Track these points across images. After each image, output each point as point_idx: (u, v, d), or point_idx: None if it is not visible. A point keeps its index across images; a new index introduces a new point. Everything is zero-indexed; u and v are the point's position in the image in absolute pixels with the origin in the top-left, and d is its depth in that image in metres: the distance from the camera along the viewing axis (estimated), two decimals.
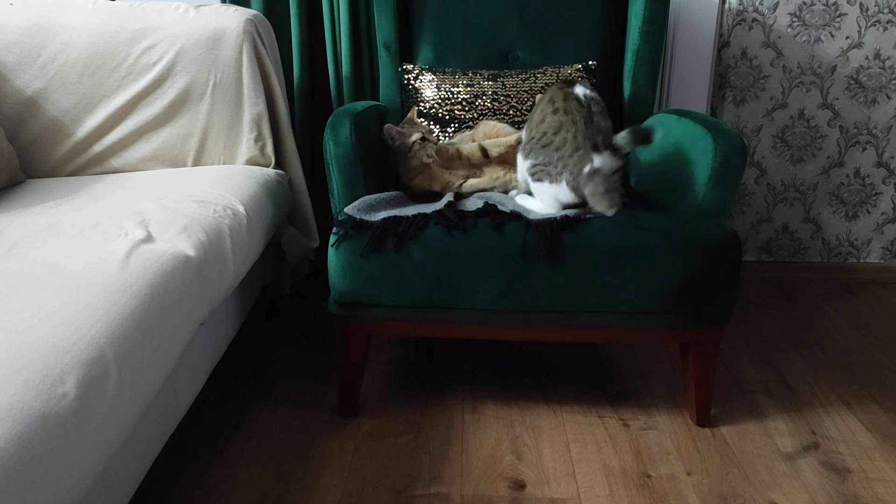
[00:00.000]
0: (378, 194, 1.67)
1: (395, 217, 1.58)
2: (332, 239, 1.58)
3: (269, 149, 1.87)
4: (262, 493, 1.45)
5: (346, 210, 1.61)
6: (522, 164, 1.69)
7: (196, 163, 1.86)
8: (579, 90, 1.64)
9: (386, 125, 1.79)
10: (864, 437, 1.65)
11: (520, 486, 1.48)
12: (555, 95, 1.65)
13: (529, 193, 1.72)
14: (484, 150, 1.79)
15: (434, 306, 1.60)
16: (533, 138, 1.65)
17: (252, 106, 1.83)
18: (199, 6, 1.86)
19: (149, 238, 1.27)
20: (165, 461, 1.53)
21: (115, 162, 1.85)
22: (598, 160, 1.56)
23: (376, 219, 1.58)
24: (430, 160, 1.76)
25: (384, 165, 1.81)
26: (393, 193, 1.70)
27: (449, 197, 1.68)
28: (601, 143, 1.57)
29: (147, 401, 1.08)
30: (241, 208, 1.55)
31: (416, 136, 1.75)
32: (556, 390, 1.83)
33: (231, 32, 1.80)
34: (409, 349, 2.05)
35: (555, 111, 1.63)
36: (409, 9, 2.08)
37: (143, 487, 1.44)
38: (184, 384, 1.36)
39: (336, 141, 1.63)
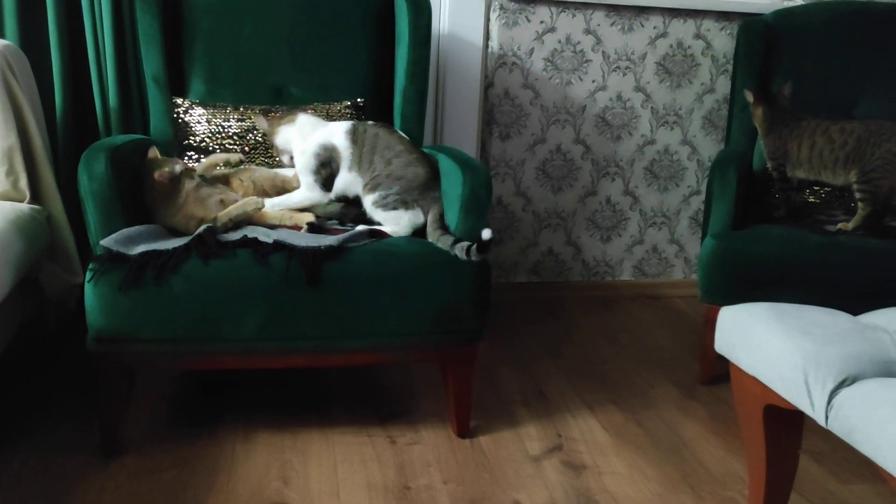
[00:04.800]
0: (138, 227, 1.66)
1: (155, 250, 1.59)
2: (89, 274, 1.56)
3: (23, 183, 1.80)
4: None
5: (102, 243, 1.59)
6: (368, 198, 1.81)
7: None
8: (401, 133, 1.90)
9: (155, 158, 1.77)
10: (601, 436, 1.86)
11: None
12: (391, 141, 1.84)
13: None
14: (202, 176, 1.84)
15: (198, 338, 1.62)
16: (380, 174, 1.80)
17: (2, 139, 1.76)
18: None
19: None
20: None
21: None
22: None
23: (135, 252, 1.58)
24: (193, 185, 1.78)
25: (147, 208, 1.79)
26: (154, 226, 1.70)
27: (207, 226, 1.69)
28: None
29: None
30: None
31: (179, 167, 1.76)
32: (330, 413, 1.90)
33: None
34: (184, 382, 2.03)
35: (398, 154, 1.82)
36: (180, 41, 2.08)
37: None
38: None
39: (91, 176, 1.60)
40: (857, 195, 2.05)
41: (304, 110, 1.99)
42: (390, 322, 1.68)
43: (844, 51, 2.38)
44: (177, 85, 2.09)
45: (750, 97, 2.24)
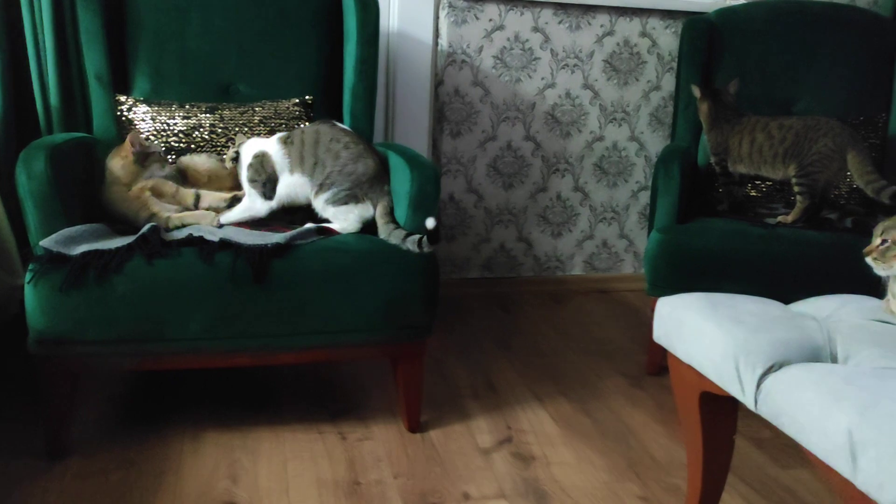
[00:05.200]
0: (80, 226, 1.64)
1: (97, 250, 1.57)
2: (28, 276, 1.53)
3: None
4: None
5: (41, 244, 1.56)
6: (321, 198, 1.81)
7: None
8: (343, 125, 1.90)
9: (132, 133, 1.80)
10: (550, 427, 1.89)
11: None
12: (336, 133, 1.83)
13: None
14: (197, 198, 1.85)
15: (143, 339, 1.61)
16: (333, 171, 1.79)
17: None
18: None
19: None
20: None
21: None
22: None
23: (76, 252, 1.56)
24: (161, 174, 1.81)
25: (90, 198, 1.77)
26: (96, 226, 1.68)
27: (151, 225, 1.68)
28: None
29: None
30: None
31: (155, 149, 1.81)
32: (280, 411, 1.89)
33: None
34: (131, 383, 2.01)
35: (346, 146, 1.81)
36: (123, 39, 2.06)
37: None
38: None
39: (30, 175, 1.58)
40: (796, 189, 2.11)
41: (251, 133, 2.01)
42: (339, 319, 1.69)
43: (784, 48, 2.45)
44: (120, 82, 2.06)
45: (697, 92, 2.29)
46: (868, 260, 1.28)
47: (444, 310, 2.55)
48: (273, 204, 1.85)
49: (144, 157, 1.79)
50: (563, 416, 1.95)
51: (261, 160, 1.83)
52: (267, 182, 1.83)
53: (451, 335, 2.39)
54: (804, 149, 2.10)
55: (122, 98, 2.00)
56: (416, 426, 1.84)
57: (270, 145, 1.85)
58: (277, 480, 1.62)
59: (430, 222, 1.66)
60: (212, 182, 1.92)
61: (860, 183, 2.07)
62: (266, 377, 2.07)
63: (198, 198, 1.85)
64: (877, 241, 1.27)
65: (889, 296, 1.31)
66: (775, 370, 1.11)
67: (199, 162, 1.93)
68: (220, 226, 1.78)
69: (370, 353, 1.84)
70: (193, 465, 1.65)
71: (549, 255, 2.84)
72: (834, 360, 1.17)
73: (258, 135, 2.00)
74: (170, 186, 1.83)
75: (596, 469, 1.72)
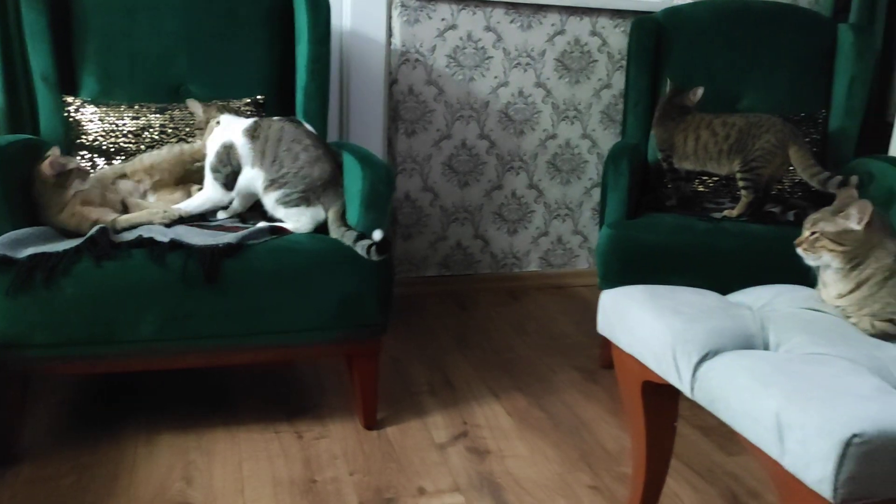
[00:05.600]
0: (26, 229, 1.63)
1: (44, 253, 1.55)
2: None
3: None
4: None
5: None
6: (271, 196, 1.81)
7: None
8: (308, 126, 1.89)
9: (52, 156, 1.74)
10: (505, 421, 1.92)
11: None
12: (298, 134, 1.83)
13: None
14: (124, 207, 1.84)
15: (94, 342, 1.60)
16: (289, 172, 1.78)
17: None
18: None
19: None
20: None
21: None
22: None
23: (23, 255, 1.54)
24: (83, 188, 1.75)
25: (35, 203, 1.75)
26: (43, 228, 1.67)
27: (100, 226, 1.67)
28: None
29: None
30: None
31: (73, 164, 1.75)
32: (236, 412, 1.89)
33: None
34: (83, 386, 1.99)
35: (306, 148, 1.81)
36: (70, 39, 2.03)
37: None
38: None
39: None
40: (740, 184, 2.17)
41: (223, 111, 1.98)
42: (292, 318, 1.69)
43: (729, 47, 2.51)
44: (68, 83, 2.03)
45: (668, 86, 2.32)
46: (799, 251, 1.33)
47: (401, 308, 2.57)
48: (232, 194, 1.87)
49: (65, 177, 1.72)
50: (517, 410, 1.98)
51: (227, 151, 1.83)
52: (230, 174, 1.84)
53: (409, 333, 2.41)
54: (747, 145, 2.16)
55: (70, 99, 1.97)
56: (372, 423, 1.85)
57: (237, 137, 1.84)
58: (232, 481, 1.62)
59: (377, 234, 1.67)
60: (158, 183, 1.92)
61: (805, 176, 2.13)
62: (221, 378, 2.07)
63: (125, 207, 1.84)
64: (806, 233, 1.32)
65: (820, 285, 1.37)
66: (710, 358, 1.16)
67: (156, 155, 1.92)
68: (169, 225, 1.77)
69: (325, 352, 1.86)
70: (147, 467, 1.65)
71: (506, 252, 2.88)
72: (766, 347, 1.21)
73: None
74: (95, 195, 1.79)
75: (549, 461, 1.75)
